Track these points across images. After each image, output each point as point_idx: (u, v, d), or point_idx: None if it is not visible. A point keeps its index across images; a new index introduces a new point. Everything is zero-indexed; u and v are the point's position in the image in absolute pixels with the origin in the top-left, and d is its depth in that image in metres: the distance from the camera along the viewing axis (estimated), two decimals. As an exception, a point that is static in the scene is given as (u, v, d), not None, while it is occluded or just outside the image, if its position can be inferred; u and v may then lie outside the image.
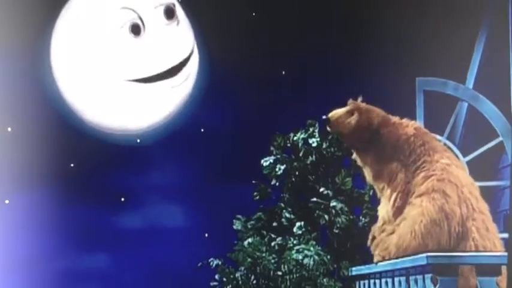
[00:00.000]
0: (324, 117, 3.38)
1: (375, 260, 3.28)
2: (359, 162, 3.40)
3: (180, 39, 5.09)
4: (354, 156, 3.43)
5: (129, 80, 5.06)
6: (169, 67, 5.06)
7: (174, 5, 5.03)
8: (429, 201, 3.04)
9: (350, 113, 3.30)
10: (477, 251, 3.00)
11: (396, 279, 3.17)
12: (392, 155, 3.21)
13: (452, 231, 3.01)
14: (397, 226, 3.16)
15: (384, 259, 3.21)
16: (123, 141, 5.16)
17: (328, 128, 3.37)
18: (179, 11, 5.08)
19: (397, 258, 3.13)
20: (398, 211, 3.18)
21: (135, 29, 4.89)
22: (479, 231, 3.04)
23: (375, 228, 3.36)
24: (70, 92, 5.14)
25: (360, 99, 3.38)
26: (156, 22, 4.98)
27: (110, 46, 5.00)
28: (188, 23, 5.14)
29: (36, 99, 5.11)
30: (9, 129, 5.12)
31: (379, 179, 3.28)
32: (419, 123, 3.41)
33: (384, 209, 3.28)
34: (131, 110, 5.12)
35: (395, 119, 3.35)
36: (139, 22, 4.86)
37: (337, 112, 3.34)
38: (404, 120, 3.35)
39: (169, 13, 4.98)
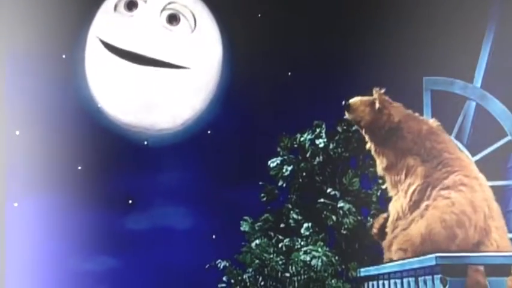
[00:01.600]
0: (343, 102, 3.34)
1: (395, 257, 3.18)
2: (373, 152, 3.37)
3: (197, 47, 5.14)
4: (369, 145, 3.39)
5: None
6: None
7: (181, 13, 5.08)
8: (458, 193, 3.05)
9: (373, 103, 3.30)
10: (497, 250, 3.01)
11: (405, 280, 3.14)
12: (412, 148, 3.22)
13: (478, 225, 3.03)
14: (414, 220, 3.13)
15: (405, 252, 3.13)
16: (130, 144, 5.16)
17: (346, 114, 3.35)
18: (200, 18, 5.12)
19: (422, 248, 3.05)
20: (414, 205, 3.15)
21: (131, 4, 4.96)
22: (498, 230, 3.07)
23: (387, 223, 3.31)
24: (84, 94, 5.17)
25: (383, 90, 3.37)
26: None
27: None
28: (205, 29, 5.16)
29: (44, 103, 5.13)
30: (17, 132, 5.14)
31: (394, 171, 3.25)
32: (438, 123, 3.39)
33: (398, 203, 3.23)
34: (144, 108, 5.14)
35: (415, 115, 3.38)
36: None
37: (359, 99, 3.33)
38: (422, 118, 3.37)
39: (172, 19, 5.05)
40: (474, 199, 3.05)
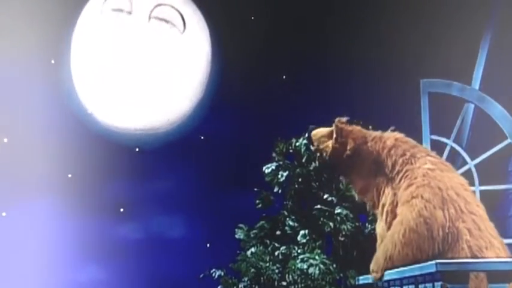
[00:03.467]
0: (306, 135, 3.39)
1: (371, 277, 3.18)
2: (345, 181, 3.36)
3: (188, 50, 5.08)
4: (340, 176, 3.40)
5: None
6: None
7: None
8: (407, 209, 2.98)
9: (331, 134, 3.29)
10: (471, 252, 2.89)
11: (405, 288, 3.05)
12: (376, 170, 3.18)
13: (435, 235, 2.92)
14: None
15: (376, 273, 3.12)
16: (121, 151, 5.08)
17: (311, 146, 3.39)
18: (190, 20, 5.06)
19: (386, 267, 3.06)
20: (390, 225, 3.13)
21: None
22: (471, 231, 2.94)
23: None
24: (72, 99, 5.10)
25: (344, 119, 3.33)
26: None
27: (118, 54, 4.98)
28: (198, 31, 5.11)
29: (33, 111, 5.05)
30: (5, 140, 5.06)
31: (367, 195, 3.24)
32: (400, 135, 3.32)
33: (380, 226, 3.23)
34: (135, 111, 5.07)
35: (375, 134, 3.31)
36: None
37: (320, 131, 3.34)
38: (386, 134, 3.30)
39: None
40: (423, 211, 2.92)
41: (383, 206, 3.14)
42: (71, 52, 5.07)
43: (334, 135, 3.25)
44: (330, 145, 3.26)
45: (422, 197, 2.96)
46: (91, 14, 5.03)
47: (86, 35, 5.04)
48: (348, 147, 3.20)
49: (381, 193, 3.15)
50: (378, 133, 3.29)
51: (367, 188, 3.20)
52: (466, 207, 2.99)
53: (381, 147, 3.18)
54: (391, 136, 3.23)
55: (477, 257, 2.84)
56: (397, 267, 3.01)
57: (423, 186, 2.98)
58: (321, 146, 3.29)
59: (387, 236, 3.08)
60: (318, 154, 3.40)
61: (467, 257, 2.86)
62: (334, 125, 3.28)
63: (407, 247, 2.95)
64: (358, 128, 3.34)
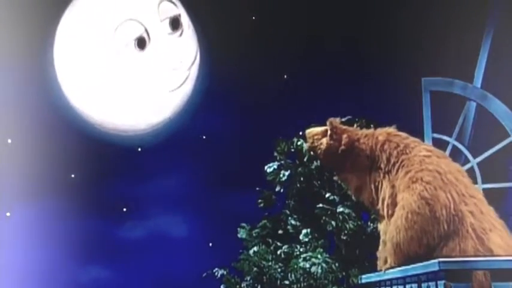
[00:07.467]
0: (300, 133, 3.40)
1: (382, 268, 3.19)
2: (339, 180, 3.37)
3: (183, 49, 5.07)
4: (335, 176, 3.41)
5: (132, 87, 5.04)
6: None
7: (179, 15, 5.01)
8: (408, 193, 2.97)
9: (325, 133, 3.30)
10: (476, 234, 2.87)
11: (408, 286, 3.05)
12: (371, 166, 3.18)
13: (439, 215, 2.89)
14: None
15: (386, 263, 3.12)
16: (123, 151, 5.09)
17: (304, 143, 3.42)
18: (184, 19, 5.06)
19: (396, 262, 3.05)
20: (393, 217, 3.12)
21: (141, 43, 4.89)
22: (474, 214, 2.92)
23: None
24: (73, 100, 5.11)
25: (337, 119, 3.35)
26: (161, 35, 4.97)
27: (114, 56, 4.98)
28: (192, 30, 5.12)
29: (36, 112, 5.06)
30: (9, 141, 5.07)
31: (364, 193, 3.23)
32: (392, 129, 3.32)
33: (382, 222, 3.22)
34: (133, 113, 5.08)
35: (367, 131, 3.33)
36: (145, 35, 4.86)
37: (314, 129, 3.35)
38: (377, 130, 3.32)
39: (175, 24, 4.98)
40: (424, 192, 2.91)
41: (383, 200, 3.13)
42: (72, 53, 5.08)
43: (329, 133, 3.27)
44: (325, 142, 3.28)
45: (422, 179, 2.95)
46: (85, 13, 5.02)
47: (82, 34, 5.03)
48: (343, 142, 3.22)
49: (379, 188, 3.14)
50: (369, 130, 3.31)
51: (363, 185, 3.20)
52: (467, 191, 2.98)
53: (373, 142, 3.19)
54: (382, 131, 3.25)
55: (482, 239, 2.83)
56: (407, 254, 2.97)
57: (421, 171, 2.97)
58: (316, 144, 3.32)
59: (391, 224, 3.07)
60: (312, 152, 3.42)
61: (472, 239, 2.84)
62: (328, 123, 3.30)
63: (411, 230, 2.93)
64: (352, 128, 3.39)
